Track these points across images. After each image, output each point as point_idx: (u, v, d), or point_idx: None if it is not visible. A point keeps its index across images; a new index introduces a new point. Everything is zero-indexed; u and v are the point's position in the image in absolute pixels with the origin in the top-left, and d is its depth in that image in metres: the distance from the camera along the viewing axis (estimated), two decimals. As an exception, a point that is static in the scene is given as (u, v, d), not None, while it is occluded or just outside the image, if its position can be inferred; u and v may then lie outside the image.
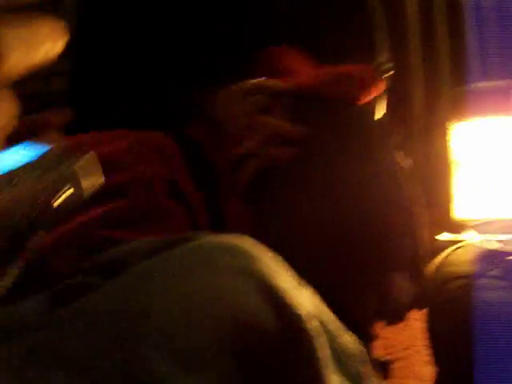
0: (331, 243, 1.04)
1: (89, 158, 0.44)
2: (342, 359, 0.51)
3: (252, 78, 1.17)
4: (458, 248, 1.21)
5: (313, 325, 0.46)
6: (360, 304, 1.17)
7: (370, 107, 1.19)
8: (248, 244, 0.50)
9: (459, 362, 1.08)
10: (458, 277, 1.09)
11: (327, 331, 0.50)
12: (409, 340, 1.53)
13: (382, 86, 1.15)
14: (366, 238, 1.05)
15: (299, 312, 0.46)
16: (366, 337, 1.25)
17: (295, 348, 0.45)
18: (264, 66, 1.17)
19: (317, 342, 0.45)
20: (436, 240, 1.51)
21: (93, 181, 0.44)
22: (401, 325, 1.61)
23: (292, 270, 0.51)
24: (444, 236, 1.47)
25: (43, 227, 0.41)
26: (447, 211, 1.62)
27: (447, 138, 1.59)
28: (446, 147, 1.60)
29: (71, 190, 0.42)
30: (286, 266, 0.50)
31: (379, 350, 1.48)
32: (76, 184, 0.42)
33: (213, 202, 1.06)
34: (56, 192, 0.41)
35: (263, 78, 1.05)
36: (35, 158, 0.43)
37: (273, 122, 1.02)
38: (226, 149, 1.08)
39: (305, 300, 0.48)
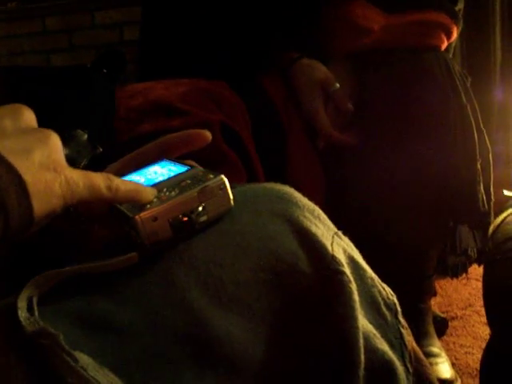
0: (402, 191, 1.03)
1: (220, 182, 0.46)
2: (374, 307, 0.51)
3: (324, 30, 1.16)
4: (521, 207, 1.15)
5: (345, 270, 0.47)
6: (425, 254, 1.16)
7: (448, 53, 1.16)
8: (288, 191, 0.51)
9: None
10: (516, 236, 1.04)
11: (361, 279, 0.50)
12: (468, 299, 1.49)
13: (457, 32, 1.11)
14: (435, 188, 1.03)
15: (333, 256, 0.47)
16: (426, 291, 1.24)
17: (328, 289, 0.46)
18: (336, 16, 1.15)
19: (348, 286, 0.46)
20: (503, 197, 1.44)
21: (219, 204, 0.46)
22: (461, 284, 1.57)
23: (338, 221, 0.52)
24: (511, 193, 1.40)
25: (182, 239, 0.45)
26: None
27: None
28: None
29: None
30: (324, 215, 0.51)
31: (438, 308, 1.46)
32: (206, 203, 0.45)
33: (275, 153, 1.07)
34: (197, 207, 0.44)
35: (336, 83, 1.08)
36: (181, 174, 0.48)
37: (328, 127, 1.08)
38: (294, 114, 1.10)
39: (340, 248, 0.49)
